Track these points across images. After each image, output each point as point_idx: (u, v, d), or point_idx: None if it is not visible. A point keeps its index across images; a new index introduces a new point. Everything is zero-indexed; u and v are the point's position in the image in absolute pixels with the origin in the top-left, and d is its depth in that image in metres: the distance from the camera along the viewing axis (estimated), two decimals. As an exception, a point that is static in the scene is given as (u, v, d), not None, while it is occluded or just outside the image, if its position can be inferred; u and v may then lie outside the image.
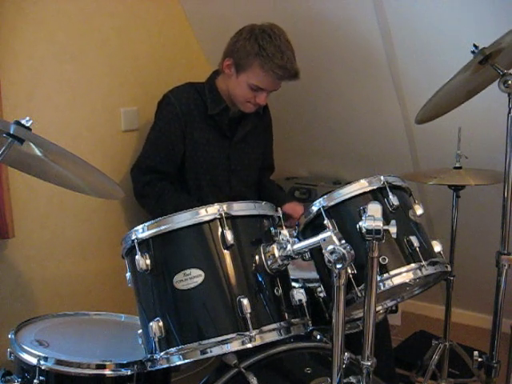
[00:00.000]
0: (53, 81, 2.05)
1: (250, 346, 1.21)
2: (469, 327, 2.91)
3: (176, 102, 2.13)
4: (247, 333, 1.20)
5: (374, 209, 1.15)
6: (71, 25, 2.08)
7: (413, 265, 1.37)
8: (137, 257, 1.27)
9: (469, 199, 2.21)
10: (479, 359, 1.71)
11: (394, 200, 1.39)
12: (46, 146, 1.35)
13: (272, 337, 1.24)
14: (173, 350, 1.24)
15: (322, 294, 1.45)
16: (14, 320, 1.60)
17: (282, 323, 1.26)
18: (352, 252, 1.11)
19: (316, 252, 1.34)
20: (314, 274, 1.49)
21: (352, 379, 1.26)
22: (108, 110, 2.26)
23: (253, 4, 2.39)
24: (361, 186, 1.41)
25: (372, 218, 1.13)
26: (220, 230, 1.25)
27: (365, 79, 2.45)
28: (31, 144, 1.39)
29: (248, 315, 1.20)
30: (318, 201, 1.42)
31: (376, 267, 1.16)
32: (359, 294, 1.34)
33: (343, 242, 1.13)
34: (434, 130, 2.21)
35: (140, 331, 1.34)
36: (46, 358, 1.36)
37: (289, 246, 1.26)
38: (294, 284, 1.39)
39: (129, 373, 1.38)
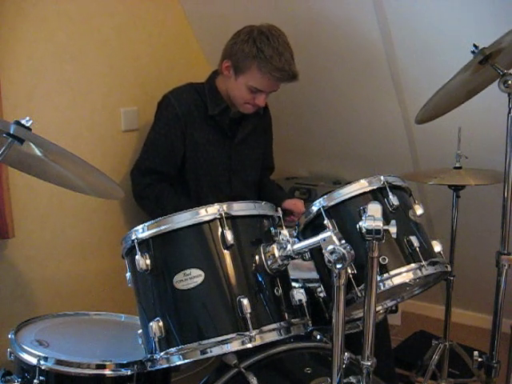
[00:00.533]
0: (53, 81, 2.05)
1: (250, 345, 1.21)
2: (469, 327, 2.91)
3: (176, 103, 2.13)
4: (247, 333, 1.20)
5: (374, 209, 1.15)
6: (71, 25, 2.08)
7: (413, 265, 1.37)
8: (137, 257, 1.27)
9: (469, 199, 2.21)
10: (479, 359, 1.71)
11: (393, 200, 1.39)
12: (46, 146, 1.35)
13: (272, 337, 1.24)
14: (173, 350, 1.24)
15: (321, 294, 1.45)
16: (14, 320, 1.60)
17: (281, 323, 1.26)
18: (352, 252, 1.11)
19: (316, 252, 1.34)
20: (314, 274, 1.49)
21: (352, 379, 1.26)
22: (108, 110, 2.26)
23: (252, 4, 2.39)
24: (361, 185, 1.41)
25: (372, 217, 1.13)
26: (220, 229, 1.25)
27: (365, 79, 2.45)
28: (31, 144, 1.39)
29: (248, 315, 1.20)
30: (318, 201, 1.42)
31: (376, 267, 1.16)
32: (359, 294, 1.34)
33: (343, 242, 1.13)
34: (434, 129, 2.21)
35: (140, 331, 1.34)
36: (46, 358, 1.36)
37: (289, 246, 1.26)
38: (294, 284, 1.39)
39: (129, 373, 1.37)
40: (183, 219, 1.26)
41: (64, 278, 2.16)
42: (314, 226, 1.43)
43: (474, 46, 1.62)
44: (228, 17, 2.44)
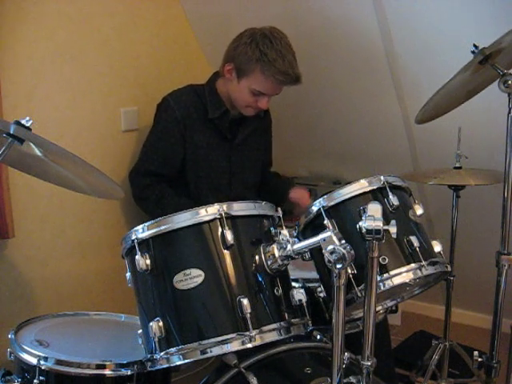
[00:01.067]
0: (53, 81, 2.05)
1: (250, 346, 1.21)
2: (469, 327, 2.91)
3: (175, 106, 2.13)
4: (247, 333, 1.20)
5: (374, 209, 1.15)
6: (71, 25, 2.08)
7: (413, 265, 1.37)
8: (137, 257, 1.27)
9: (469, 199, 2.21)
10: (479, 359, 1.71)
11: (394, 200, 1.40)
12: (46, 146, 1.35)
13: (272, 337, 1.24)
14: (173, 350, 1.24)
15: (322, 294, 1.45)
16: (14, 320, 1.61)
17: (282, 323, 1.26)
18: (352, 252, 1.11)
19: (316, 252, 1.34)
20: (314, 274, 1.49)
21: (352, 379, 1.26)
22: (108, 110, 2.26)
23: (253, 4, 2.39)
24: (361, 186, 1.42)
25: (372, 217, 1.13)
26: (220, 229, 1.25)
27: (365, 79, 2.45)
28: (31, 144, 1.39)
29: (248, 315, 1.20)
30: (318, 201, 1.42)
31: (376, 267, 1.16)
32: (359, 294, 1.34)
33: (343, 242, 1.13)
34: (434, 129, 2.20)
35: (140, 331, 1.34)
36: (46, 358, 1.36)
37: (289, 246, 1.26)
38: (294, 284, 1.39)
39: (129, 373, 1.38)
40: (183, 219, 1.26)
41: (64, 277, 2.16)
42: (313, 226, 1.43)
43: (474, 46, 1.61)
44: (228, 17, 2.44)
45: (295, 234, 1.47)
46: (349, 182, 1.45)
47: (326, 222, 1.37)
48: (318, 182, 2.81)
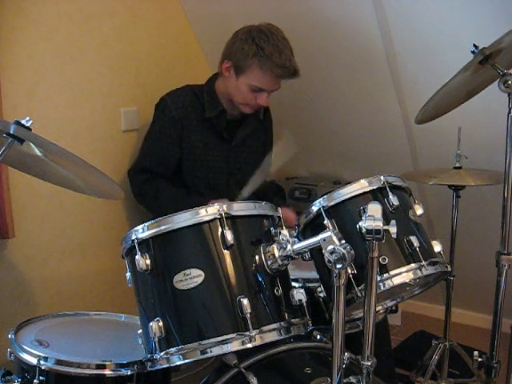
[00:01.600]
0: (53, 81, 2.05)
1: (250, 346, 1.21)
2: (469, 327, 2.91)
3: (172, 106, 2.13)
4: (247, 333, 1.20)
5: (374, 209, 1.15)
6: (71, 25, 2.08)
7: (413, 265, 1.37)
8: (137, 257, 1.27)
9: (469, 199, 2.21)
10: (479, 359, 1.71)
11: (393, 200, 1.39)
12: (46, 146, 1.35)
13: (272, 337, 1.24)
14: (173, 350, 1.24)
15: (321, 294, 1.45)
16: (14, 320, 1.60)
17: (282, 323, 1.26)
18: (352, 252, 1.11)
19: (316, 252, 1.34)
20: (314, 274, 1.49)
21: (352, 379, 1.26)
22: (108, 109, 2.26)
23: (252, 4, 2.39)
24: (361, 186, 1.41)
25: (372, 217, 1.13)
26: (220, 229, 1.25)
27: (365, 79, 2.45)
28: (31, 144, 1.39)
29: (248, 315, 1.20)
30: (318, 201, 1.42)
31: (376, 267, 1.16)
32: (359, 294, 1.34)
33: (343, 241, 1.13)
34: (433, 129, 2.20)
35: (140, 331, 1.34)
36: (46, 358, 1.36)
37: (289, 246, 1.26)
38: (294, 284, 1.39)
39: (129, 373, 1.37)
40: (183, 219, 1.26)
41: (64, 278, 2.16)
42: (313, 226, 1.43)
43: (474, 46, 1.61)
44: (228, 17, 2.44)
45: (295, 234, 1.47)
46: (349, 182, 1.45)
47: (326, 222, 1.37)
48: (317, 182, 2.81)
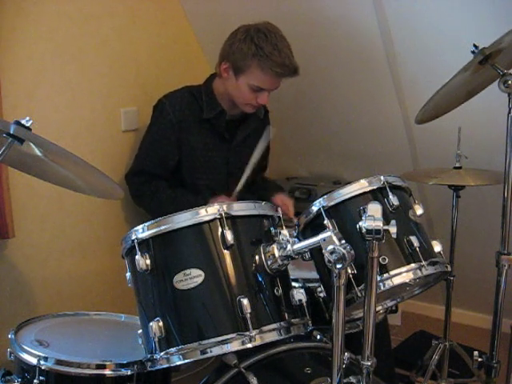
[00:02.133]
0: (53, 81, 2.05)
1: (250, 346, 1.21)
2: (469, 327, 2.91)
3: (170, 109, 2.12)
4: (247, 333, 1.20)
5: (374, 209, 1.15)
6: (71, 25, 2.08)
7: (413, 265, 1.37)
8: (137, 257, 1.27)
9: (469, 199, 2.21)
10: (479, 359, 1.71)
11: (393, 200, 1.40)
12: (46, 146, 1.35)
13: (272, 337, 1.24)
14: (173, 350, 1.24)
15: (321, 294, 1.45)
16: (14, 320, 1.60)
17: (282, 323, 1.26)
18: (352, 252, 1.11)
19: (316, 252, 1.34)
20: (314, 274, 1.49)
21: (352, 379, 1.26)
22: (108, 110, 2.26)
23: (253, 4, 2.39)
24: (361, 186, 1.42)
25: (372, 217, 1.13)
26: (220, 229, 1.25)
27: (365, 79, 2.45)
28: (31, 144, 1.39)
29: (248, 315, 1.20)
30: (317, 201, 1.42)
31: (376, 267, 1.16)
32: (359, 294, 1.34)
33: (343, 241, 1.13)
34: (434, 129, 2.20)
35: (140, 331, 1.34)
36: (46, 358, 1.36)
37: (289, 246, 1.26)
38: (294, 284, 1.39)
39: (129, 373, 1.37)
40: (183, 219, 1.26)
41: (64, 277, 2.16)
42: (313, 226, 1.43)
43: (474, 46, 1.61)
44: (228, 16, 2.44)
45: (295, 234, 1.47)
46: (349, 182, 1.45)
47: (326, 222, 1.37)
48: (317, 182, 2.81)
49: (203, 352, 1.22)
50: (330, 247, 1.11)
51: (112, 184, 1.49)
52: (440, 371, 2.23)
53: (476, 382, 2.31)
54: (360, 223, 1.15)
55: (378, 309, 1.61)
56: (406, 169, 2.56)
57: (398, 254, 1.38)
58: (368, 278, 1.17)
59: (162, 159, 2.15)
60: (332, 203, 1.40)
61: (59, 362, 1.36)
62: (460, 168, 2.05)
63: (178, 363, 1.24)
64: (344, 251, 1.10)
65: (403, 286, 1.42)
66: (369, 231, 1.13)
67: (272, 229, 1.35)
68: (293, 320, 1.29)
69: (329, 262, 1.11)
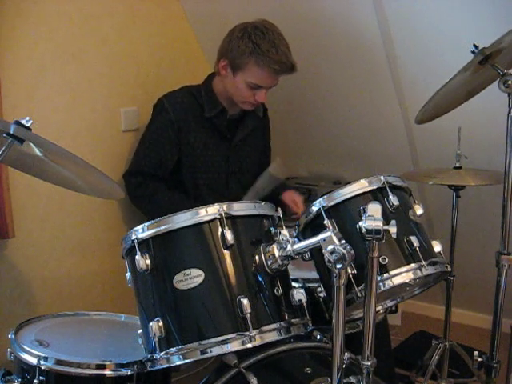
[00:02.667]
0: (53, 81, 2.05)
1: (250, 346, 1.21)
2: (469, 327, 2.91)
3: (170, 108, 2.12)
4: (247, 333, 1.20)
5: (374, 209, 1.15)
6: (71, 25, 2.08)
7: (413, 265, 1.37)
8: (137, 257, 1.27)
9: (469, 199, 2.21)
10: (479, 359, 1.71)
11: (394, 200, 1.40)
12: (46, 146, 1.35)
13: (272, 337, 1.24)
14: (173, 350, 1.24)
15: (321, 294, 1.45)
16: (14, 320, 1.60)
17: (282, 323, 1.26)
18: (352, 252, 1.11)
19: (316, 252, 1.34)
20: (314, 274, 1.49)
21: (352, 379, 1.26)
22: (108, 110, 2.26)
23: (253, 3, 2.39)
24: (361, 186, 1.42)
25: (372, 217, 1.13)
26: (220, 229, 1.25)
27: (365, 79, 2.45)
28: (31, 144, 1.39)
29: (248, 315, 1.20)
30: (318, 201, 1.42)
31: (376, 267, 1.16)
32: (359, 294, 1.34)
33: (343, 241, 1.13)
34: (434, 129, 2.20)
35: (140, 331, 1.34)
36: (46, 358, 1.36)
37: (289, 246, 1.26)
38: (294, 284, 1.39)
39: (129, 373, 1.38)
40: (183, 219, 1.26)
41: (64, 277, 2.16)
42: (313, 226, 1.43)
43: (474, 45, 1.61)
44: (228, 16, 2.44)
45: (295, 234, 1.47)
46: (349, 182, 1.45)
47: (326, 222, 1.37)
48: (317, 182, 2.81)
49: (203, 352, 1.22)
50: (330, 247, 1.11)
51: (112, 184, 1.49)
52: (440, 371, 2.23)
53: (476, 381, 2.31)
54: (360, 223, 1.15)
55: (378, 309, 1.61)
56: (406, 169, 2.57)
57: (398, 253, 1.38)
58: (368, 278, 1.17)
59: (160, 159, 2.15)
60: (332, 203, 1.40)
61: (59, 362, 1.36)
62: (460, 168, 2.05)
63: (178, 363, 1.24)
64: (344, 251, 1.10)
65: (403, 286, 1.42)
66: (369, 231, 1.13)
67: (272, 229, 1.35)
68: (293, 320, 1.29)
69: (329, 261, 1.11)
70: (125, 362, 1.39)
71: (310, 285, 1.54)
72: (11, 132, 1.28)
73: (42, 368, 1.35)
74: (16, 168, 1.58)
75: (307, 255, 1.37)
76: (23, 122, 1.29)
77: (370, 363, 1.21)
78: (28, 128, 1.30)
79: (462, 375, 2.38)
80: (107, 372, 1.38)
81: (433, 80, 1.82)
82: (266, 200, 1.40)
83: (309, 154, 2.95)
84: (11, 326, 1.54)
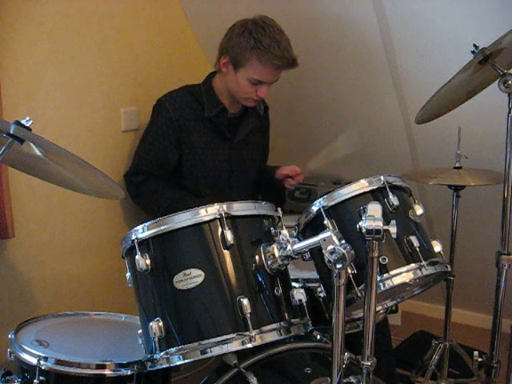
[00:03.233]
0: (53, 80, 2.05)
1: (250, 346, 1.21)
2: (469, 327, 2.90)
3: (170, 108, 2.12)
4: (247, 333, 1.20)
5: (374, 209, 1.15)
6: (71, 25, 2.08)
7: (413, 265, 1.37)
8: (137, 257, 1.27)
9: (469, 199, 2.21)
10: (479, 359, 1.71)
11: (394, 200, 1.39)
12: (46, 145, 1.35)
13: (272, 337, 1.24)
14: (173, 350, 1.24)
15: (321, 294, 1.45)
16: (14, 320, 1.60)
17: (281, 323, 1.26)
18: (352, 252, 1.11)
19: (316, 252, 1.34)
20: (314, 274, 1.49)
21: (352, 379, 1.26)
22: (108, 109, 2.26)
23: (253, 3, 2.39)
24: (361, 186, 1.42)
25: (372, 217, 1.13)
26: (220, 229, 1.25)
27: (365, 79, 2.45)
28: (31, 144, 1.39)
29: (248, 315, 1.20)
30: (318, 201, 1.42)
31: (376, 267, 1.16)
32: (359, 294, 1.34)
33: (343, 242, 1.13)
34: (433, 129, 2.20)
35: (140, 331, 1.34)
36: (46, 358, 1.36)
37: (289, 246, 1.26)
38: (294, 284, 1.39)
39: (129, 373, 1.38)
40: (183, 219, 1.26)
41: (64, 277, 2.16)
42: (313, 226, 1.43)
43: (474, 45, 1.62)
44: (228, 16, 2.43)
45: (295, 234, 1.47)
46: (349, 182, 1.45)
47: (326, 222, 1.37)
48: (317, 182, 2.81)
49: (203, 352, 1.22)
50: (330, 247, 1.11)
51: (112, 184, 1.49)
52: (440, 371, 2.23)
53: (476, 382, 2.31)
54: (360, 223, 1.15)
55: (378, 309, 1.60)
56: (406, 169, 2.57)
57: (398, 253, 1.38)
58: (368, 278, 1.17)
59: (161, 158, 2.15)
60: (332, 203, 1.40)
61: (59, 362, 1.36)
62: (460, 168, 2.05)
63: (178, 363, 1.24)
64: (344, 251, 1.10)
65: (403, 285, 1.43)
66: (369, 231, 1.13)
67: (272, 229, 1.35)
68: (293, 320, 1.29)
69: (329, 261, 1.11)
70: (125, 362, 1.39)
71: (310, 285, 1.54)
72: (11, 132, 1.28)
73: (42, 368, 1.35)
74: (16, 168, 1.58)
75: (307, 255, 1.36)
76: (23, 121, 1.30)
77: (370, 363, 1.20)
78: (28, 128, 1.30)
79: (462, 375, 2.37)
80: (107, 372, 1.38)
81: (433, 80, 1.82)
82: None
83: (309, 154, 2.95)
84: (11, 325, 1.54)
